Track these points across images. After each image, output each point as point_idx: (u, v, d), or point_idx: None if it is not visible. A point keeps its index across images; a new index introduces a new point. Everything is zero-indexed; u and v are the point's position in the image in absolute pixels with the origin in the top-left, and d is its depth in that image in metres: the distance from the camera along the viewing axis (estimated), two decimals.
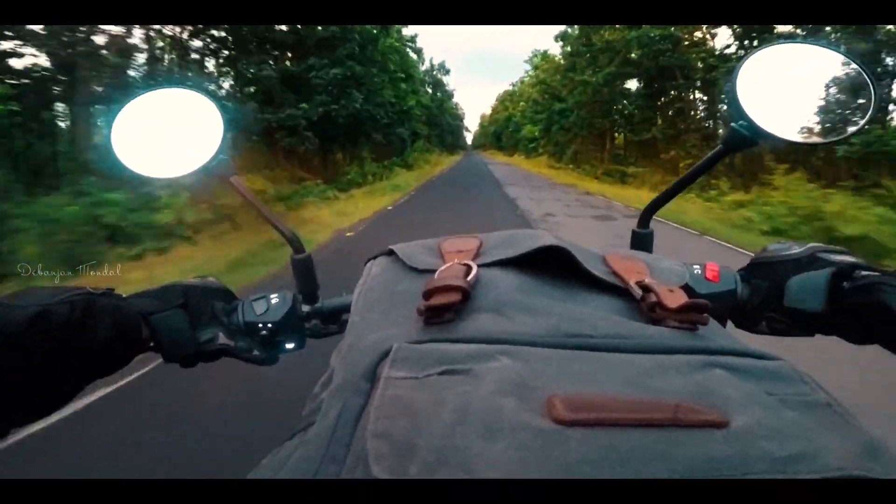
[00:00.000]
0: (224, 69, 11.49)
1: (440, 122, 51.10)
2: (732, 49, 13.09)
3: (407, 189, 13.98)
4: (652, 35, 14.65)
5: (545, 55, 35.54)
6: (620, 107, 19.35)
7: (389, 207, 9.95)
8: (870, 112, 0.41)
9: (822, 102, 0.43)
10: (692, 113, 15.69)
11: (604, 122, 20.52)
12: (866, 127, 0.42)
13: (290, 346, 0.51)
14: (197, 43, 10.34)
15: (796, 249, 0.43)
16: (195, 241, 5.99)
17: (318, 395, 0.28)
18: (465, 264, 0.31)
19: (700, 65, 14.23)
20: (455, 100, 76.93)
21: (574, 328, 0.25)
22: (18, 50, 6.53)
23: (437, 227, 6.76)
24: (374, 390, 0.21)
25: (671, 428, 0.17)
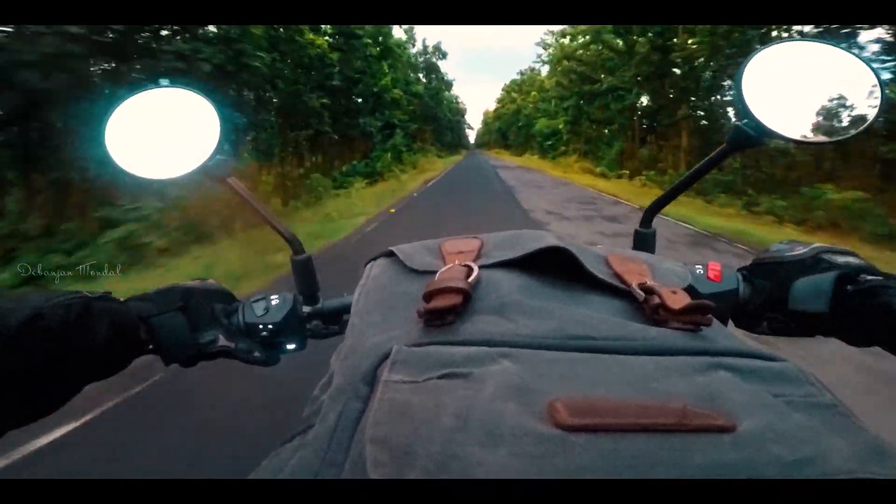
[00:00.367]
0: None
1: (436, 115, 43.89)
2: None
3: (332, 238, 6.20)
4: None
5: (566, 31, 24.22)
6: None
7: None
8: (877, 110, 0.41)
9: (828, 101, 0.42)
10: None
11: (679, 107, 12.98)
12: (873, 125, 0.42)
13: (290, 346, 0.51)
14: None
15: (800, 250, 0.43)
16: None
17: (317, 397, 0.28)
18: (465, 265, 0.30)
19: None
20: (454, 91, 66.40)
21: (576, 330, 0.25)
22: None
23: None
24: (373, 394, 0.21)
25: (677, 433, 0.17)
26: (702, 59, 12.54)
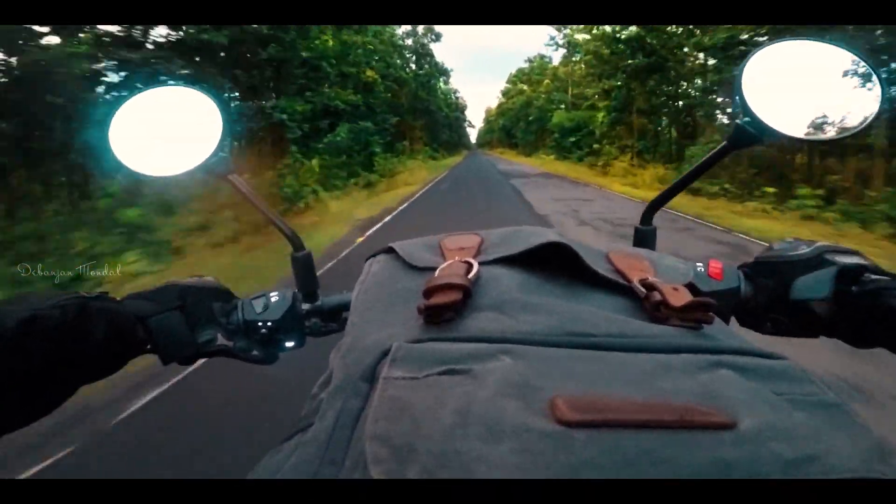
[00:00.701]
0: None
1: (429, 108, 35.80)
2: None
3: None
4: None
5: None
6: None
7: None
8: (877, 108, 0.41)
9: (828, 99, 0.43)
10: None
11: None
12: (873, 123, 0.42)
13: (289, 344, 0.51)
14: None
15: (804, 249, 0.43)
16: None
17: (316, 395, 0.28)
18: (466, 262, 0.30)
19: None
20: (452, 83, 57.08)
21: (577, 327, 0.25)
22: None
23: None
24: (372, 391, 0.21)
25: (679, 430, 0.17)
26: None
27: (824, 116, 0.42)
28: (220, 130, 0.48)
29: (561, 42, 31.68)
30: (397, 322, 0.27)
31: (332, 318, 0.54)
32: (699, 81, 13.88)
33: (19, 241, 5.06)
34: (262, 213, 0.51)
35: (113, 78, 7.56)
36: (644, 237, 0.55)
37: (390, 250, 0.37)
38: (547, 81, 40.03)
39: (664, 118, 16.17)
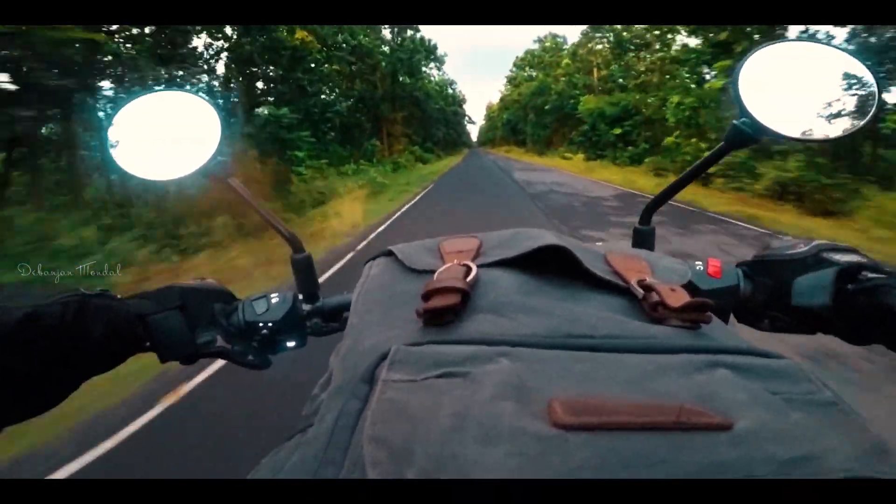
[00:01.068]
0: None
1: (415, 97, 27.65)
2: None
3: None
4: None
5: None
6: None
7: None
8: (873, 108, 0.41)
9: (825, 100, 0.43)
10: None
11: None
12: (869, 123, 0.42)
13: (291, 344, 0.52)
14: None
15: (802, 248, 0.43)
16: None
17: (317, 396, 0.28)
18: (464, 265, 0.31)
19: None
20: (445, 72, 49.18)
21: (575, 328, 0.25)
22: None
23: None
24: (371, 393, 0.21)
25: (674, 432, 0.17)
26: None
27: (820, 117, 0.43)
28: (218, 134, 0.49)
29: None
30: (396, 324, 0.27)
31: (332, 318, 0.54)
32: None
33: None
34: (260, 216, 0.52)
35: None
36: (643, 237, 0.55)
37: (390, 253, 0.37)
38: (567, 61, 32.35)
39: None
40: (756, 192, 9.77)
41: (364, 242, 6.44)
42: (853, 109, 0.42)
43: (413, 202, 10.26)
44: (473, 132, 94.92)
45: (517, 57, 50.42)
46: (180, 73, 8.37)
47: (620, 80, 24.10)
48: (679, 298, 0.27)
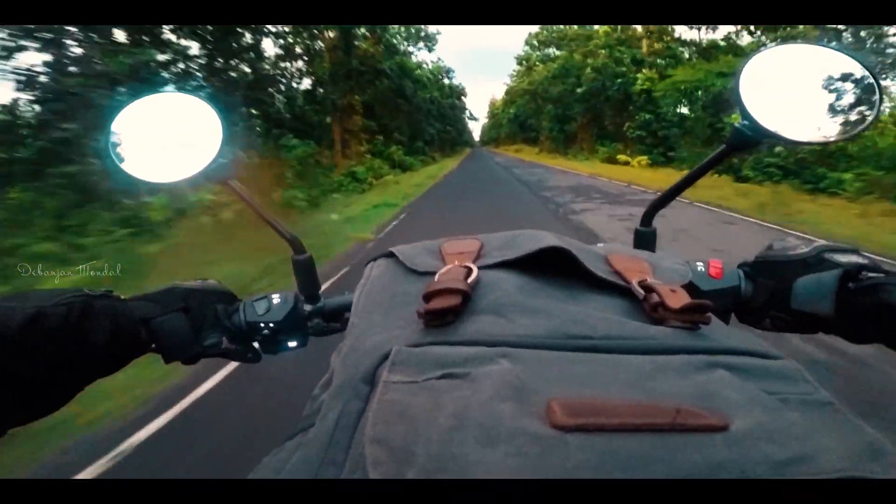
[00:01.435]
0: None
1: (386, 74, 19.07)
2: None
3: None
4: None
5: None
6: None
7: None
8: (875, 111, 0.41)
9: (826, 102, 0.43)
10: None
11: None
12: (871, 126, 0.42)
13: (292, 344, 0.52)
14: None
15: (803, 249, 0.43)
16: None
17: (318, 396, 0.28)
18: (465, 266, 0.31)
19: None
20: (441, 59, 45.22)
21: (575, 329, 0.25)
22: None
23: None
24: (372, 394, 0.21)
25: (671, 432, 0.17)
26: None
27: (822, 119, 0.42)
28: (219, 137, 0.49)
29: None
30: (397, 325, 0.27)
31: (333, 318, 0.54)
32: None
33: None
34: (261, 217, 0.52)
35: None
36: (644, 238, 0.55)
37: (391, 254, 0.38)
38: (605, 29, 23.26)
39: None
40: None
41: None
42: (855, 112, 0.42)
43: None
44: (476, 130, 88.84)
45: (530, 34, 38.38)
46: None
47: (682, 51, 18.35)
48: (679, 299, 0.27)
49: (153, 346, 0.42)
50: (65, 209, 5.66)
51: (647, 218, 0.56)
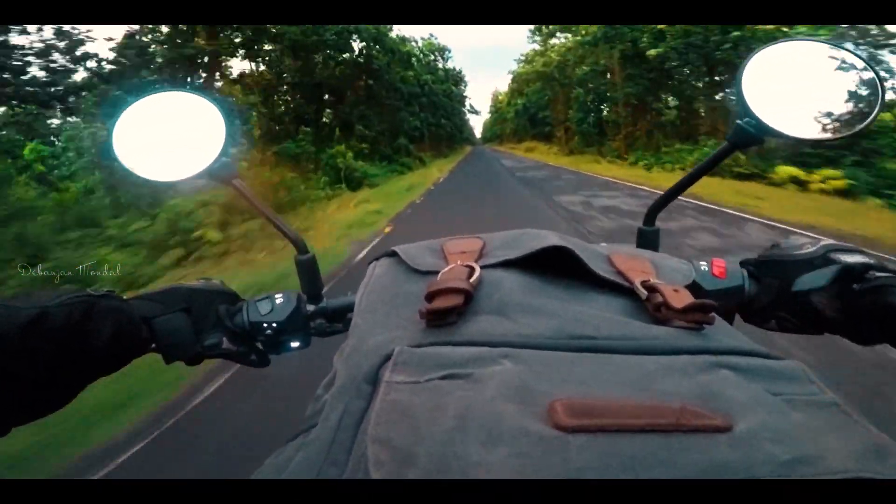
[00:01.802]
0: None
1: (369, 63, 14.31)
2: None
3: None
4: None
5: None
6: None
7: None
8: (877, 107, 0.41)
9: (828, 99, 0.43)
10: None
11: None
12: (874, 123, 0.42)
13: (295, 344, 0.52)
14: None
15: (809, 249, 0.43)
16: None
17: (320, 396, 0.28)
18: (468, 266, 0.30)
19: None
20: (434, 35, 35.99)
21: (578, 329, 0.25)
22: None
23: None
24: (375, 394, 0.21)
25: (675, 433, 0.17)
26: None
27: (825, 116, 0.42)
28: (222, 135, 0.48)
29: None
30: (400, 325, 0.27)
31: (336, 318, 0.54)
32: None
33: None
34: (264, 216, 0.52)
35: None
36: (647, 238, 0.55)
37: (393, 254, 0.37)
38: None
39: None
40: None
41: None
42: (856, 108, 0.42)
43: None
44: (477, 127, 79.19)
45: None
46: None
47: None
48: (682, 299, 0.27)
49: (154, 345, 0.42)
50: None
51: (650, 217, 0.56)
